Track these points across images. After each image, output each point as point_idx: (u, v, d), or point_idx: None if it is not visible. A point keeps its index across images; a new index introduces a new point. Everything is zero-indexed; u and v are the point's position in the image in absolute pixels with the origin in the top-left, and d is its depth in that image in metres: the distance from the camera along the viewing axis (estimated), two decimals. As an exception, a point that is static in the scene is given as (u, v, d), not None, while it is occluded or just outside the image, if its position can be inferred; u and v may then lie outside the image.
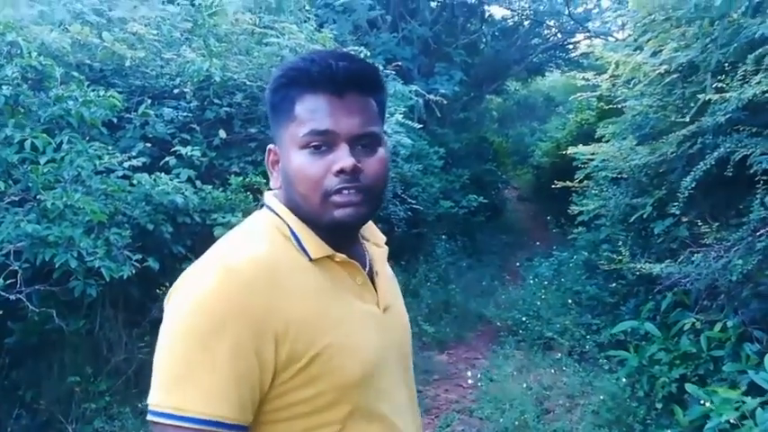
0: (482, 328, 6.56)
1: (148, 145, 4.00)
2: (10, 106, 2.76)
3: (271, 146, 1.05)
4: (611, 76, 4.62)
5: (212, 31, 4.91)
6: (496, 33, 12.88)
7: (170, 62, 4.48)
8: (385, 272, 1.15)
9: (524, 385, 4.56)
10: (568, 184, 5.37)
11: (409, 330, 1.22)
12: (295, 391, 0.93)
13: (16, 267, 2.81)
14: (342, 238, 1.03)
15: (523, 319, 5.92)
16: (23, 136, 2.73)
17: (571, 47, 13.16)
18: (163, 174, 3.60)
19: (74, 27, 3.89)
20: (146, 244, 3.47)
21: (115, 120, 3.83)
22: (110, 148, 3.50)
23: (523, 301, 6.45)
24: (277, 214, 1.02)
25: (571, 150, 5.02)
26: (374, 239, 1.17)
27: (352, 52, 5.60)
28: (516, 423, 3.82)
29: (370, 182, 0.99)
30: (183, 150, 3.85)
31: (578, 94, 5.39)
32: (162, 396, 0.87)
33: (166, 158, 3.82)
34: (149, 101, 4.10)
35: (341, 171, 0.95)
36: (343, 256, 1.01)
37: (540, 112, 17.69)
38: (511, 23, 12.97)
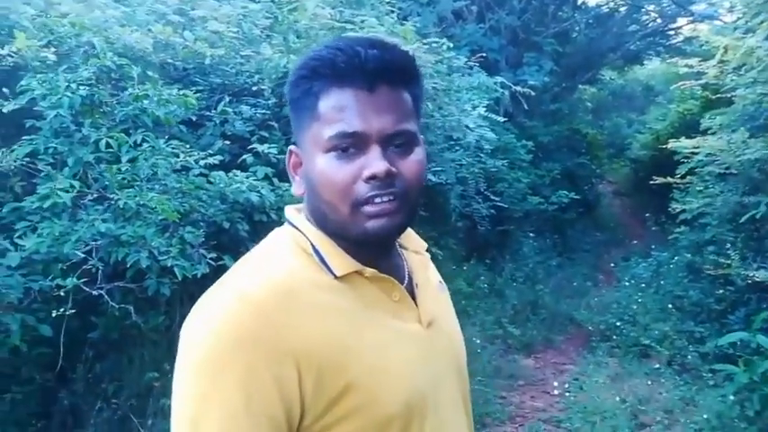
0: (572, 332, 6.22)
1: (227, 143, 4.00)
2: (87, 106, 2.80)
3: (292, 147, 0.93)
4: (718, 63, 4.23)
5: (292, 27, 4.88)
6: (590, 21, 12.27)
7: (249, 59, 4.48)
8: (428, 282, 1.01)
9: (618, 397, 4.24)
10: (669, 179, 4.96)
11: (462, 344, 1.06)
12: (332, 429, 0.81)
13: (96, 264, 2.87)
14: (376, 251, 0.89)
15: (618, 323, 5.55)
16: (99, 136, 2.76)
17: (672, 32, 12.35)
18: (239, 171, 3.57)
19: (156, 27, 3.95)
20: (222, 242, 3.47)
21: (194, 118, 3.87)
22: (187, 146, 3.51)
23: (618, 304, 6.05)
24: (298, 229, 0.91)
25: (672, 144, 4.61)
26: (413, 247, 1.03)
27: (434, 44, 5.45)
28: (607, 438, 3.53)
29: (406, 187, 0.85)
30: (260, 148, 3.82)
31: (680, 83, 5.05)
32: None
33: (243, 156, 3.81)
34: (228, 99, 4.11)
35: (372, 177, 0.83)
36: (374, 270, 0.89)
37: (638, 103, 16.78)
38: (606, 10, 12.30)
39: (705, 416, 3.42)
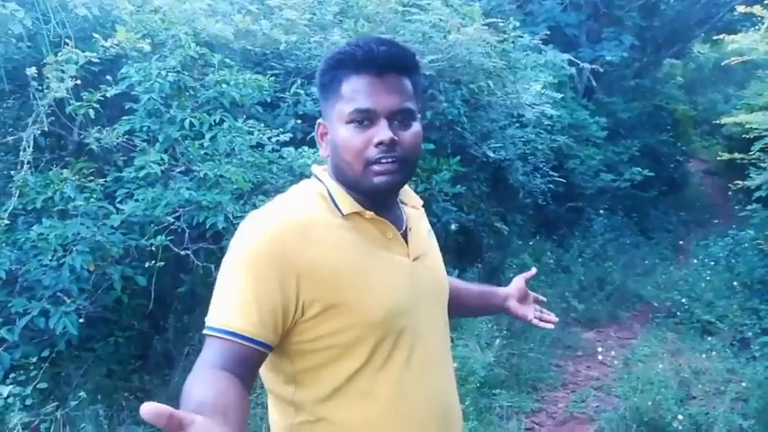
0: (638, 309, 6.24)
1: (299, 122, 4.39)
2: (174, 90, 3.24)
3: (320, 120, 1.20)
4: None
5: (362, 12, 5.19)
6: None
7: (321, 44, 4.83)
8: (419, 230, 1.28)
9: (672, 369, 4.32)
10: (736, 156, 4.89)
11: (444, 280, 1.33)
12: (321, 325, 1.10)
13: (182, 226, 3.34)
14: (380, 201, 1.18)
15: (683, 300, 5.54)
16: (184, 116, 3.20)
17: (773, 0, 11.58)
18: (306, 147, 3.94)
19: (237, 17, 4.37)
20: (292, 210, 3.87)
21: (270, 99, 4.27)
22: (262, 125, 3.91)
23: (686, 281, 6.00)
24: (319, 180, 1.19)
25: (735, 119, 4.55)
26: (411, 203, 1.31)
27: (500, 23, 5.58)
28: (650, 404, 3.66)
29: (405, 152, 1.13)
30: (327, 126, 4.17)
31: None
32: (209, 313, 1.08)
33: (311, 134, 4.17)
34: (300, 81, 4.48)
35: (380, 143, 1.10)
36: (372, 213, 1.16)
37: (736, 77, 15.83)
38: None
39: (744, 384, 3.49)
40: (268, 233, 1.09)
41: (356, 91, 1.11)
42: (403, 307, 1.16)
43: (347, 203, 1.15)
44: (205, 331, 1.06)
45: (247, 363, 1.04)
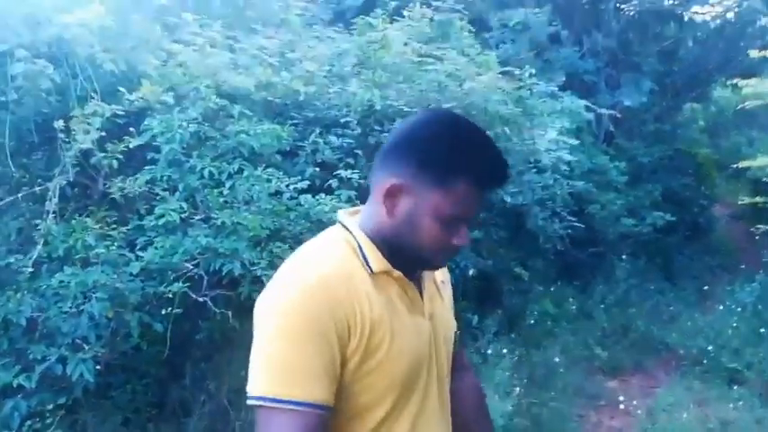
0: (663, 356, 6.08)
1: (317, 169, 4.47)
2: (195, 141, 3.34)
3: (398, 182, 1.13)
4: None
5: (379, 63, 5.32)
6: (699, 34, 11.84)
7: (340, 95, 4.96)
8: (431, 287, 1.31)
9: (698, 419, 4.19)
10: (758, 200, 4.83)
11: (451, 336, 1.36)
12: (354, 379, 1.11)
13: (202, 273, 3.39)
14: (412, 266, 1.22)
15: (709, 348, 5.40)
16: (204, 165, 3.29)
17: (793, 44, 11.58)
18: (324, 194, 4.00)
19: (258, 70, 4.52)
20: (308, 257, 3.90)
21: (289, 148, 4.36)
22: (281, 173, 3.99)
23: (712, 328, 5.86)
24: (349, 231, 1.19)
25: (756, 162, 4.53)
26: None
27: (516, 71, 5.66)
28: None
29: None
30: (344, 173, 4.24)
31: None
32: (266, 385, 1.05)
33: (329, 181, 4.24)
34: (319, 130, 4.58)
35: (460, 245, 1.18)
36: (399, 273, 1.18)
37: (760, 120, 15.74)
38: (714, 25, 11.82)
39: (773, 436, 3.37)
40: (322, 288, 1.08)
41: (468, 200, 1.13)
42: (421, 365, 1.21)
43: (377, 261, 1.16)
44: (267, 404, 1.04)
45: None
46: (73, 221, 3.15)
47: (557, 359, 5.20)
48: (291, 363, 1.05)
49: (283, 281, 1.12)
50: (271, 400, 1.03)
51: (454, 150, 1.12)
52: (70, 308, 2.87)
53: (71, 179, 3.33)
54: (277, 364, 1.06)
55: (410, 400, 1.18)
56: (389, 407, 1.15)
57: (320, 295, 1.07)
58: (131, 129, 3.48)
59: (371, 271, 1.15)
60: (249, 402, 1.06)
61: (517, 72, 5.68)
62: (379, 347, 1.11)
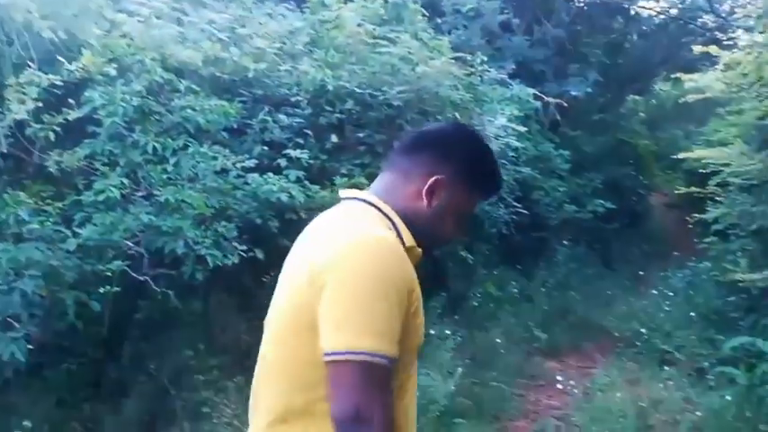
0: (600, 338, 6.31)
1: (266, 148, 4.40)
2: (138, 115, 3.24)
3: (440, 177, 1.33)
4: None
5: (332, 43, 5.26)
6: (644, 29, 12.18)
7: (291, 73, 4.88)
8: None
9: (631, 398, 4.37)
10: (694, 189, 5.05)
11: None
12: (403, 342, 1.20)
13: (142, 252, 3.30)
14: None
15: (642, 331, 5.63)
16: (147, 140, 3.19)
17: (730, 42, 12.07)
18: (272, 174, 3.95)
19: (206, 44, 4.39)
20: (255, 237, 3.85)
21: (237, 126, 4.27)
22: (227, 151, 3.91)
23: (645, 312, 6.11)
24: (381, 211, 1.31)
25: (692, 154, 4.72)
26: None
27: (468, 57, 5.70)
28: (609, 434, 3.70)
29: None
30: (293, 153, 4.19)
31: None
32: (354, 340, 1.13)
33: (277, 160, 4.19)
34: (268, 108, 4.50)
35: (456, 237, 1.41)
36: (420, 250, 1.34)
37: (697, 114, 16.35)
38: (659, 20, 12.18)
39: (698, 413, 3.55)
40: (395, 253, 1.22)
41: (475, 205, 1.43)
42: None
43: (409, 238, 1.31)
44: (352, 357, 1.13)
45: None
46: (5, 195, 3.01)
47: (498, 340, 5.33)
48: (385, 319, 1.16)
49: (362, 240, 1.21)
50: (368, 354, 1.13)
51: (488, 169, 1.40)
52: (1, 285, 2.75)
53: (4, 151, 3.18)
54: (365, 320, 1.15)
55: (417, 361, 1.32)
56: (411, 367, 1.28)
57: (399, 257, 1.21)
58: (70, 100, 3.34)
59: (405, 245, 1.28)
60: (335, 358, 1.13)
61: (469, 58, 5.72)
62: (418, 311, 1.25)
